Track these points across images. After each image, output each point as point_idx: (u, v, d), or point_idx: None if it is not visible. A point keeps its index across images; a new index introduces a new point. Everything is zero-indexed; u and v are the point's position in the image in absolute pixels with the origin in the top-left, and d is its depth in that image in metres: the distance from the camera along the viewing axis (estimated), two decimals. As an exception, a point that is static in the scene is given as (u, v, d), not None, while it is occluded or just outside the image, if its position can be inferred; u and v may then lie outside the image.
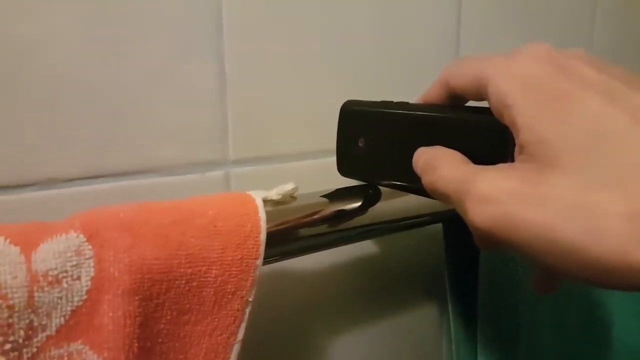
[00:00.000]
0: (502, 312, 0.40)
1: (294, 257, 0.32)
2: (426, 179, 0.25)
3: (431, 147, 0.27)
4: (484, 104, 0.24)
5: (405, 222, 0.35)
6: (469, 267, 0.40)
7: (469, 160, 0.24)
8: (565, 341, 0.43)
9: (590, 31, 0.56)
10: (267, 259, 0.28)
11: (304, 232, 0.29)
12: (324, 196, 0.32)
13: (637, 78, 0.21)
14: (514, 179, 0.20)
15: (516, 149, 0.21)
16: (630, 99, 0.19)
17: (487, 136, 0.25)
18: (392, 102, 0.31)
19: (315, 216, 0.30)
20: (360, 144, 0.32)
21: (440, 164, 0.24)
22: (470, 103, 0.26)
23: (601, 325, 0.46)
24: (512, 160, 0.22)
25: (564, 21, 0.54)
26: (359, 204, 0.32)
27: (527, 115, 0.20)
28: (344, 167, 0.34)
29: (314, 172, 0.39)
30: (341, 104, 0.34)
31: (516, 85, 0.21)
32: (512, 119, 0.21)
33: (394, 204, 0.34)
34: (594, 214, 0.18)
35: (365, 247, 0.44)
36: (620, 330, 0.46)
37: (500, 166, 0.22)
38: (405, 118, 0.29)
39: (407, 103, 0.30)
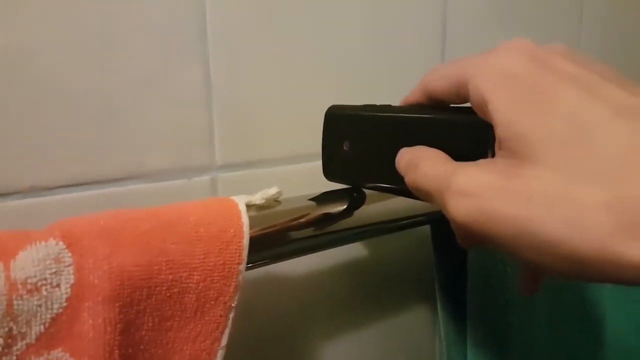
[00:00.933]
0: (491, 312, 0.40)
1: (279, 261, 0.32)
2: (409, 178, 0.25)
3: (413, 147, 0.27)
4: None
5: (393, 224, 0.35)
6: (457, 268, 0.40)
7: (451, 159, 0.24)
8: (557, 340, 0.43)
9: (578, 30, 0.57)
10: (252, 264, 0.28)
11: (288, 235, 0.29)
12: (309, 200, 0.32)
13: (617, 74, 0.21)
14: (492, 174, 0.20)
15: (496, 145, 0.21)
16: (609, 93, 0.19)
17: (467, 134, 0.25)
18: (374, 105, 0.31)
19: (300, 220, 0.30)
20: (345, 148, 0.32)
21: (422, 163, 0.24)
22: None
23: (594, 324, 0.46)
24: (493, 157, 0.22)
25: (551, 21, 0.54)
26: (344, 206, 0.32)
27: (504, 111, 0.20)
28: (329, 171, 0.34)
29: (301, 176, 0.39)
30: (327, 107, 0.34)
31: (494, 81, 0.21)
32: (491, 115, 0.21)
33: (381, 206, 0.34)
34: (573, 207, 0.18)
35: (356, 251, 0.44)
36: (613, 329, 0.46)
37: (481, 162, 0.22)
38: (388, 120, 0.29)
39: (390, 106, 0.30)
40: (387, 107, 0.30)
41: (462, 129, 0.25)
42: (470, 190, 0.20)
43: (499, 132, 0.21)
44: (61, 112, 0.30)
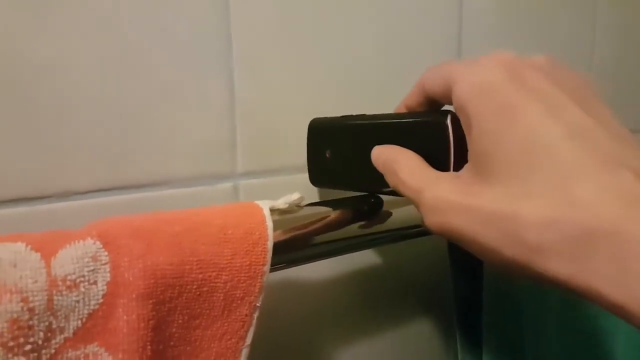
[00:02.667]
0: (506, 321, 0.41)
1: (301, 264, 0.33)
2: (390, 182, 0.27)
3: (386, 146, 0.29)
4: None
5: (410, 230, 0.36)
6: (473, 276, 0.41)
7: (424, 162, 0.26)
8: (571, 351, 0.44)
9: (592, 38, 0.57)
10: (275, 266, 0.29)
11: (310, 240, 0.30)
12: (329, 205, 0.33)
13: (588, 91, 0.23)
14: (454, 191, 0.23)
15: (468, 154, 0.24)
16: (569, 113, 0.21)
17: (431, 136, 0.27)
18: (351, 115, 0.34)
19: (321, 224, 0.31)
20: (327, 156, 0.35)
21: (399, 168, 0.27)
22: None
23: (606, 337, 0.46)
24: (458, 157, 0.25)
25: (566, 28, 0.55)
26: (363, 212, 0.33)
27: (475, 127, 0.23)
28: (314, 178, 0.37)
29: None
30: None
31: (473, 92, 0.23)
32: (467, 129, 0.24)
33: (399, 212, 0.35)
34: (510, 223, 0.20)
35: (371, 257, 0.45)
36: (626, 341, 0.46)
37: (447, 176, 0.25)
38: (362, 127, 0.32)
39: (364, 115, 0.33)
40: (362, 116, 0.33)
41: (425, 130, 0.27)
42: (436, 207, 0.23)
43: (471, 146, 0.23)
44: (92, 120, 0.32)
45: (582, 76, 0.24)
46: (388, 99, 0.43)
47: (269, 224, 0.28)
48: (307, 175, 0.38)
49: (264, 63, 0.37)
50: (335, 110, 0.37)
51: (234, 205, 0.28)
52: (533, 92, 0.22)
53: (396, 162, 0.27)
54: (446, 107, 0.28)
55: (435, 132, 0.26)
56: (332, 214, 0.32)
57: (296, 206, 0.31)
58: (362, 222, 0.33)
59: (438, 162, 0.26)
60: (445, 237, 0.24)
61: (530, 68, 0.23)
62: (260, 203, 0.29)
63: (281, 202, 0.30)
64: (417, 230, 0.37)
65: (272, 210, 0.29)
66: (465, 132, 0.24)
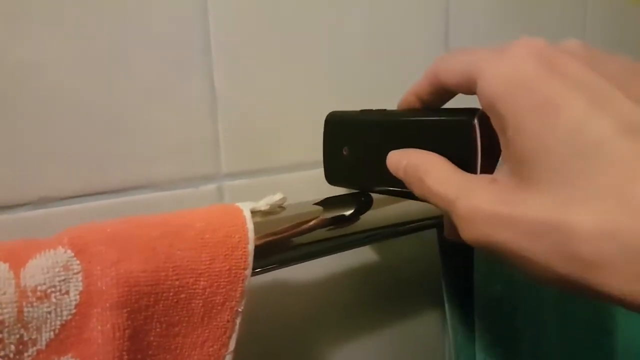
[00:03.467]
0: (499, 317, 0.40)
1: (286, 267, 0.32)
2: (416, 191, 0.25)
3: (406, 150, 0.27)
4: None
5: (398, 228, 0.36)
6: (464, 271, 0.40)
7: (453, 166, 0.24)
8: (566, 345, 0.43)
9: (582, 30, 0.57)
10: (259, 269, 0.28)
11: (294, 241, 0.30)
12: (314, 205, 0.32)
13: (632, 75, 0.20)
14: (492, 200, 0.21)
15: (502, 155, 0.22)
16: (619, 104, 0.18)
17: (457, 136, 0.25)
18: (371, 110, 0.32)
19: (305, 225, 0.30)
20: (344, 153, 0.33)
21: (426, 176, 0.24)
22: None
23: (603, 331, 0.45)
24: (485, 160, 0.23)
25: (555, 24, 0.54)
26: (350, 211, 0.33)
27: (512, 127, 0.20)
28: (331, 176, 0.35)
29: (306, 183, 0.39)
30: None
31: (504, 88, 0.21)
32: (500, 128, 0.21)
33: (386, 211, 0.35)
34: (560, 234, 0.18)
35: (363, 256, 0.44)
36: (623, 334, 0.45)
37: (482, 181, 0.22)
38: (382, 124, 0.30)
39: (385, 110, 0.31)
40: (382, 112, 0.31)
41: (451, 129, 0.25)
42: (473, 218, 0.21)
43: (506, 149, 0.21)
44: (69, 123, 0.31)
45: (620, 57, 0.21)
46: (375, 95, 0.42)
47: (250, 226, 0.27)
48: (293, 175, 0.38)
49: (244, 61, 0.36)
50: (320, 108, 0.36)
51: (213, 208, 0.28)
52: (573, 83, 0.19)
53: (421, 168, 0.25)
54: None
55: (461, 132, 0.25)
56: (316, 215, 0.31)
57: (278, 207, 0.30)
58: (348, 221, 0.32)
59: (463, 164, 0.24)
60: (486, 252, 0.21)
61: (566, 56, 0.20)
62: (240, 205, 0.28)
63: (263, 204, 0.29)
64: (406, 228, 0.36)
65: (254, 212, 0.28)
66: (498, 133, 0.22)
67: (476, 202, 0.21)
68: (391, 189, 0.30)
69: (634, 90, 0.19)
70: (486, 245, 0.21)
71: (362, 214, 0.33)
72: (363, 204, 0.34)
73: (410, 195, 0.27)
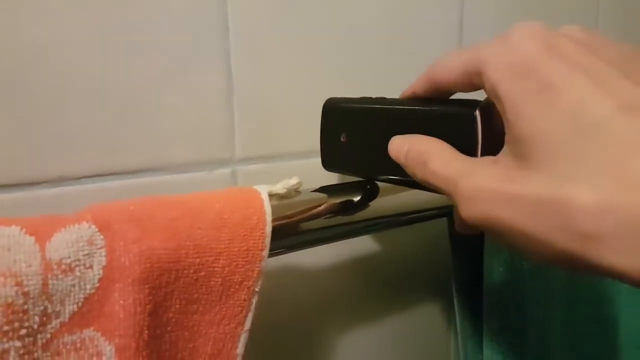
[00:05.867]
0: (507, 306, 0.41)
1: (299, 250, 0.33)
2: (418, 174, 0.26)
3: (409, 135, 0.28)
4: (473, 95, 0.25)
5: (410, 216, 0.36)
6: (474, 261, 0.40)
7: (456, 151, 0.25)
8: (573, 335, 0.43)
9: (595, 17, 0.57)
10: (273, 251, 0.28)
11: (308, 225, 0.30)
12: (328, 190, 0.32)
13: (632, 61, 0.21)
14: (493, 179, 0.21)
15: (505, 138, 0.22)
16: (618, 85, 0.19)
17: (458, 127, 0.25)
18: (370, 97, 0.32)
19: (320, 209, 0.30)
20: (342, 139, 0.33)
21: (430, 159, 0.25)
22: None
23: (609, 321, 0.46)
24: (486, 151, 0.24)
25: (568, 14, 0.54)
26: (361, 197, 0.33)
27: (511, 110, 0.21)
28: (328, 162, 0.35)
29: (318, 170, 0.39)
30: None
31: (505, 71, 0.21)
32: (502, 112, 0.22)
33: (399, 197, 0.35)
34: (561, 210, 0.18)
35: (372, 243, 0.45)
36: (629, 326, 0.46)
37: (485, 162, 0.23)
38: (382, 112, 0.30)
39: (385, 98, 0.31)
40: (382, 100, 0.31)
41: (453, 120, 0.26)
42: (474, 196, 0.21)
43: (508, 131, 0.21)
44: (87, 104, 0.31)
45: (621, 44, 0.22)
46: (391, 83, 0.42)
47: (267, 209, 0.27)
48: (306, 161, 0.38)
49: (262, 46, 0.36)
50: (335, 94, 0.36)
51: (231, 190, 0.28)
52: (574, 65, 0.20)
53: (425, 152, 0.25)
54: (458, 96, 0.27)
55: (463, 123, 0.25)
56: (331, 199, 0.31)
57: (294, 191, 0.30)
58: (362, 207, 0.33)
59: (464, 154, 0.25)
60: (485, 230, 0.22)
61: (566, 39, 0.21)
62: (258, 188, 0.28)
63: (279, 187, 0.29)
64: (416, 216, 0.37)
65: (271, 195, 0.29)
66: (502, 117, 0.22)
67: (478, 181, 0.22)
68: (389, 177, 0.31)
69: (633, 72, 0.20)
70: (486, 223, 0.21)
71: (373, 200, 0.33)
72: (372, 190, 0.34)
73: (407, 183, 0.28)
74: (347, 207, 0.32)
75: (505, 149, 0.22)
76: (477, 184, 0.22)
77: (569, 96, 0.19)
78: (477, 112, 0.25)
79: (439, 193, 0.25)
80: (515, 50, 0.21)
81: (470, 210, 0.22)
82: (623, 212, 0.17)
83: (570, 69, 0.20)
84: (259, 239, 0.26)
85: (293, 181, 0.30)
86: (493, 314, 0.40)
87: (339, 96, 0.35)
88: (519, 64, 0.21)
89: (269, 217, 0.27)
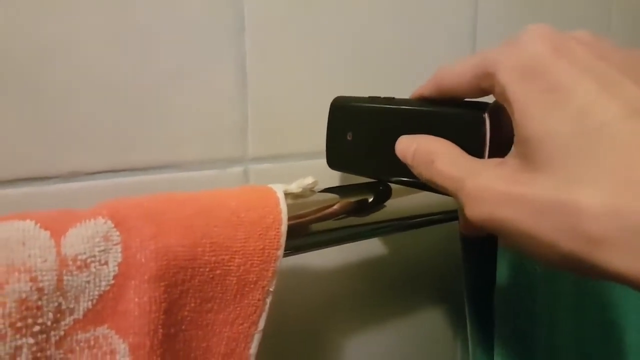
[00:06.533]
0: (519, 311, 0.40)
1: (313, 250, 0.32)
2: (424, 174, 0.26)
3: (417, 136, 0.27)
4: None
5: (422, 219, 0.36)
6: (486, 265, 0.40)
7: (463, 151, 0.25)
8: (583, 341, 0.43)
9: (608, 22, 0.57)
10: (288, 251, 0.28)
11: (323, 225, 0.30)
12: (341, 191, 0.32)
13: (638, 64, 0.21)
14: (500, 180, 0.21)
15: (514, 140, 0.22)
16: (625, 90, 0.19)
17: (467, 129, 0.25)
18: (378, 97, 0.32)
19: (334, 209, 0.30)
20: (348, 138, 0.33)
21: (437, 159, 0.25)
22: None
23: (618, 327, 0.45)
24: (495, 151, 0.24)
25: (581, 18, 0.54)
26: (375, 198, 0.33)
27: (519, 112, 0.21)
28: (333, 161, 0.35)
29: (330, 170, 0.39)
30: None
31: (515, 74, 0.21)
32: (510, 114, 0.22)
33: (411, 200, 0.35)
34: (567, 212, 0.18)
35: (380, 246, 0.44)
36: (637, 333, 0.46)
37: (492, 163, 0.23)
38: (390, 112, 0.30)
39: (393, 98, 0.31)
40: (391, 100, 0.31)
41: (461, 122, 0.26)
42: (480, 196, 0.21)
43: (516, 132, 0.21)
44: (101, 100, 0.31)
45: (629, 50, 0.22)
46: (402, 84, 0.42)
47: (283, 208, 0.27)
48: (318, 161, 0.38)
49: (276, 46, 0.36)
50: (348, 94, 0.36)
51: (247, 189, 0.28)
52: (582, 68, 0.20)
53: (433, 152, 0.25)
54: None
55: (471, 126, 0.25)
56: (345, 200, 0.31)
57: (310, 191, 0.30)
58: (376, 209, 0.32)
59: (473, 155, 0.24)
60: (490, 230, 0.21)
61: (575, 42, 0.21)
62: (274, 186, 0.28)
63: (295, 186, 0.29)
64: (428, 219, 0.36)
65: (286, 195, 0.28)
66: (511, 118, 0.22)
67: (484, 181, 0.22)
68: (394, 177, 0.30)
69: (638, 76, 0.19)
70: (491, 223, 0.21)
71: (384, 201, 0.33)
72: (385, 192, 0.34)
73: (412, 183, 0.28)
74: (361, 208, 0.32)
75: (513, 150, 0.22)
76: (483, 184, 0.22)
77: (576, 99, 0.19)
78: (486, 115, 0.25)
79: (445, 194, 0.25)
80: (524, 52, 0.21)
81: (476, 210, 0.22)
82: (630, 215, 0.17)
83: (579, 72, 0.20)
84: (275, 238, 0.26)
85: (308, 180, 0.30)
86: (505, 320, 0.40)
87: (352, 95, 0.35)
88: (528, 65, 0.21)
89: (284, 217, 0.27)
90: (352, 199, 0.32)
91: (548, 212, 0.19)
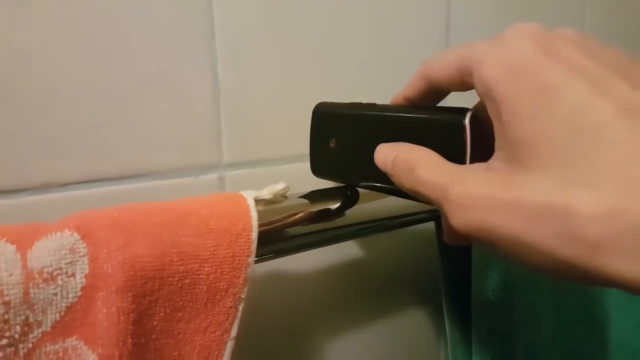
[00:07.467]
0: (495, 310, 0.41)
1: (286, 255, 0.32)
2: (405, 182, 0.25)
3: (396, 143, 0.27)
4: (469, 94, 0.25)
5: (398, 220, 0.36)
6: (462, 266, 0.40)
7: (443, 159, 0.24)
8: (561, 339, 0.44)
9: (582, 22, 0.57)
10: (260, 257, 0.28)
11: (295, 230, 0.30)
12: (314, 196, 0.32)
13: (628, 64, 0.20)
14: (488, 184, 0.20)
15: (496, 143, 0.21)
16: (617, 88, 0.18)
17: (447, 135, 0.25)
18: (360, 103, 0.32)
19: (307, 214, 0.30)
20: (331, 145, 0.33)
21: (417, 167, 0.24)
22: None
23: (598, 324, 0.46)
24: (476, 157, 0.23)
25: (555, 12, 0.55)
26: (339, 205, 0.33)
27: (508, 112, 0.20)
28: (317, 168, 0.35)
29: (306, 175, 0.39)
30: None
31: (501, 73, 0.20)
32: (495, 115, 0.21)
33: (387, 202, 0.35)
34: (563, 217, 0.17)
35: (360, 248, 0.45)
36: (617, 329, 0.46)
37: (476, 168, 0.22)
38: (372, 119, 0.30)
39: (375, 104, 0.31)
40: (372, 106, 0.31)
41: (442, 128, 0.25)
42: (467, 203, 0.20)
43: (502, 134, 0.21)
44: (71, 110, 0.31)
45: (615, 48, 0.21)
46: (377, 87, 0.42)
47: (254, 214, 0.27)
48: (294, 166, 0.38)
49: (248, 51, 0.36)
50: (322, 99, 0.36)
51: (217, 196, 0.28)
52: (572, 67, 0.19)
53: (411, 160, 0.24)
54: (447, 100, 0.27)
55: (452, 131, 0.25)
56: (318, 204, 0.31)
57: (281, 196, 0.30)
58: (350, 212, 0.32)
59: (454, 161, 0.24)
60: (478, 239, 0.20)
61: (562, 40, 0.20)
62: (244, 193, 0.28)
63: (266, 192, 0.29)
64: (406, 220, 0.37)
65: (257, 201, 0.29)
66: (493, 119, 0.21)
67: (471, 187, 0.20)
68: (376, 184, 0.30)
69: (629, 75, 0.19)
70: (479, 232, 0.20)
71: (348, 208, 0.33)
72: (349, 198, 0.34)
73: (395, 192, 0.28)
74: (324, 215, 0.32)
75: (497, 154, 0.21)
76: (468, 190, 0.20)
77: (568, 98, 0.19)
78: (467, 120, 0.24)
79: (427, 203, 0.24)
80: (511, 50, 0.20)
81: (462, 218, 0.20)
82: (629, 217, 0.16)
83: (569, 71, 0.19)
84: (245, 244, 0.26)
85: (280, 186, 0.30)
86: (481, 319, 0.40)
87: (326, 101, 0.35)
88: (516, 64, 0.20)
89: (255, 223, 0.27)
90: (319, 206, 0.32)
91: (542, 216, 0.18)
